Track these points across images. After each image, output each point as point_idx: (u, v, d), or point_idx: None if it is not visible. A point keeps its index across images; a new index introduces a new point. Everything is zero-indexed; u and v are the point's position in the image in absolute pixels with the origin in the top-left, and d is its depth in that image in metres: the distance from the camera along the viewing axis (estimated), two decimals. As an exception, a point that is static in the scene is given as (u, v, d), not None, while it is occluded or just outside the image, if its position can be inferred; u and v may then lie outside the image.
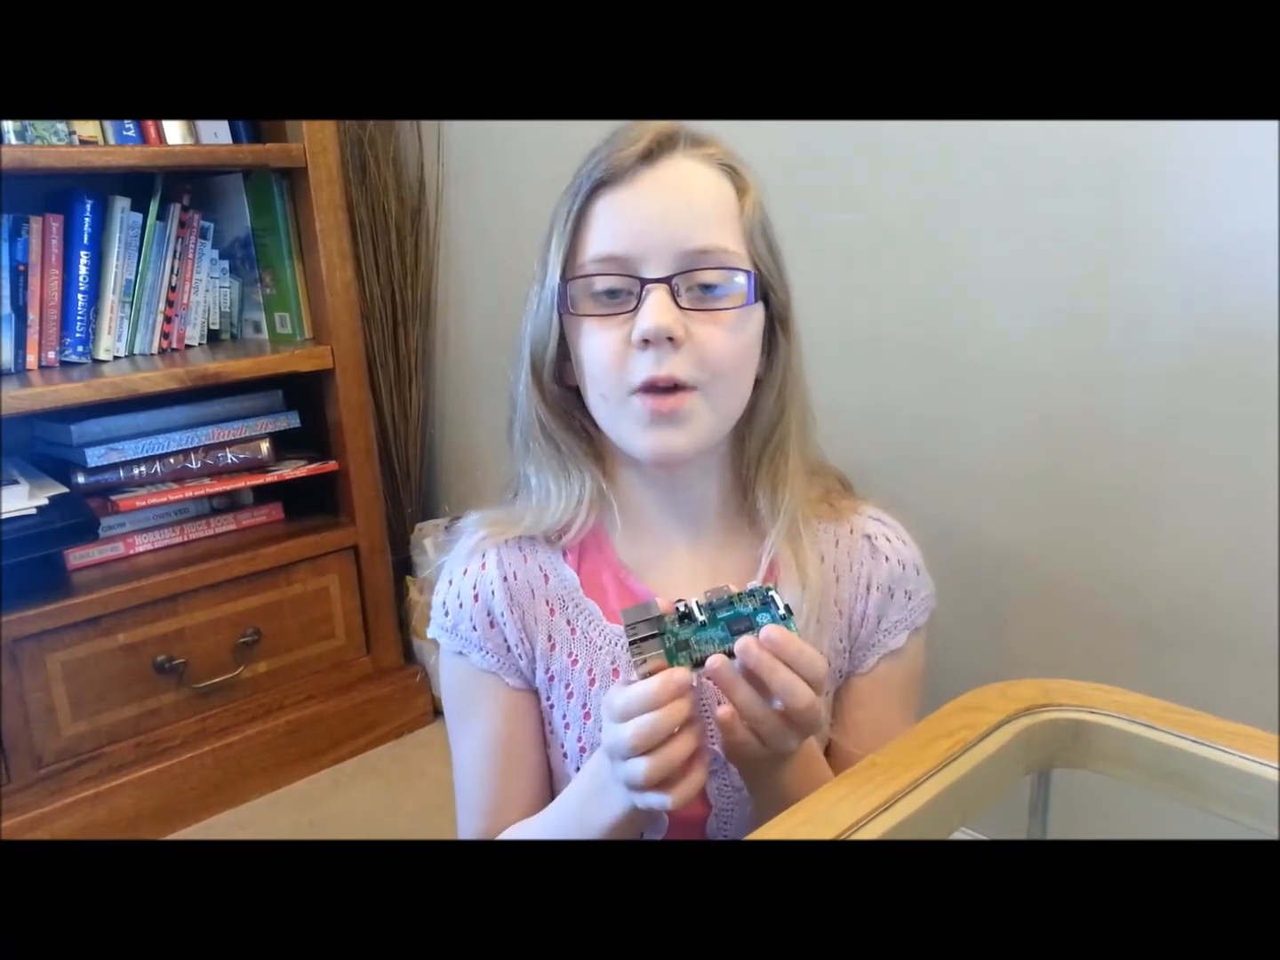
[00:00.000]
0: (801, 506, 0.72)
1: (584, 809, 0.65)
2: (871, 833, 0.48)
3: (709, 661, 0.56)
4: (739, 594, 0.58)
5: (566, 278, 0.67)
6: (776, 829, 0.49)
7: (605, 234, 0.66)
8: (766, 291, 0.69)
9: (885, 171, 1.14)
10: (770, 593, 0.58)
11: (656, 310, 0.64)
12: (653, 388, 0.65)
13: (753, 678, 0.56)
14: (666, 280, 0.64)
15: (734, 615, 0.57)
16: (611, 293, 0.66)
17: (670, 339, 0.64)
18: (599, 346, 0.67)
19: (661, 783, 0.56)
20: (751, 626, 0.57)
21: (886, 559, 0.74)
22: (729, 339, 0.66)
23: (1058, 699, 0.58)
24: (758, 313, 0.69)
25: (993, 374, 1.10)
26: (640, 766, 0.56)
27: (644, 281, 0.65)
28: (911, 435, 1.18)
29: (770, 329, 0.71)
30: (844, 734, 0.74)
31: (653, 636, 0.57)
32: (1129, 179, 0.96)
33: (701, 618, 0.57)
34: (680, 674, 0.56)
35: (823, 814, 0.50)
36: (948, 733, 0.55)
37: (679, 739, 0.56)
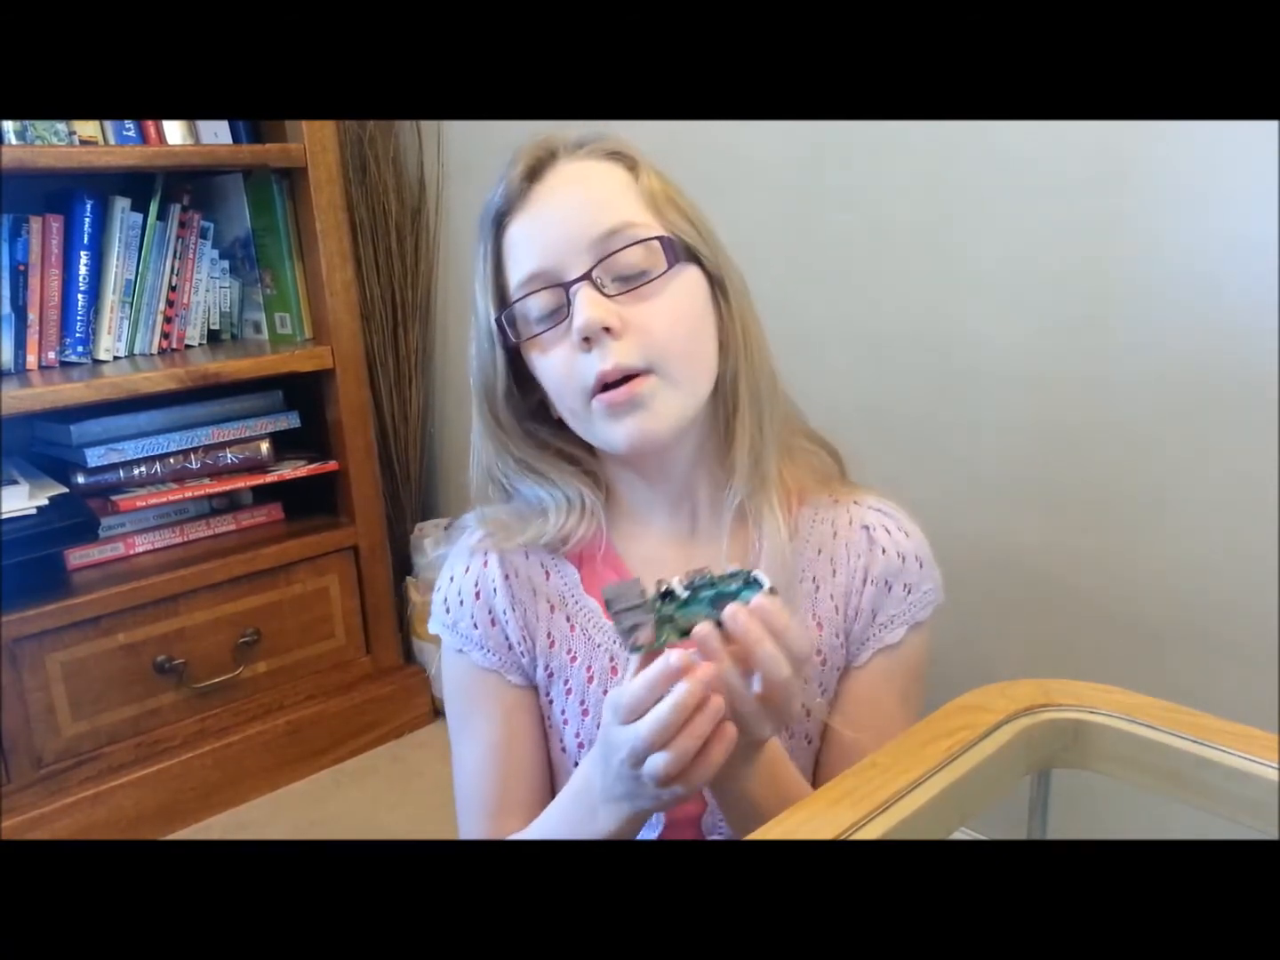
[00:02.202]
0: (769, 463, 0.71)
1: (575, 826, 0.64)
2: (871, 833, 0.48)
3: (696, 630, 0.55)
4: (720, 575, 0.57)
5: (498, 314, 0.68)
6: (776, 829, 0.49)
7: (520, 256, 0.68)
8: (696, 255, 0.69)
9: (885, 171, 1.14)
10: (754, 574, 0.57)
11: (585, 306, 0.64)
12: (606, 384, 0.65)
13: (735, 655, 0.55)
14: (585, 276, 0.65)
15: (717, 594, 0.56)
16: (546, 308, 0.67)
17: (607, 330, 0.64)
18: (551, 363, 0.67)
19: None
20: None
21: (884, 551, 0.73)
22: (668, 310, 0.66)
23: (1058, 699, 0.58)
24: (693, 278, 0.68)
25: (992, 374, 1.10)
26: (659, 762, 0.55)
27: (567, 286, 0.65)
28: (911, 435, 1.18)
29: (713, 295, 0.70)
30: (844, 723, 0.73)
31: (636, 609, 0.56)
32: (1129, 179, 0.96)
33: (683, 595, 0.56)
34: (674, 657, 0.55)
35: (823, 814, 0.50)
36: (948, 733, 0.55)
37: (691, 727, 0.55)
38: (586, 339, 0.64)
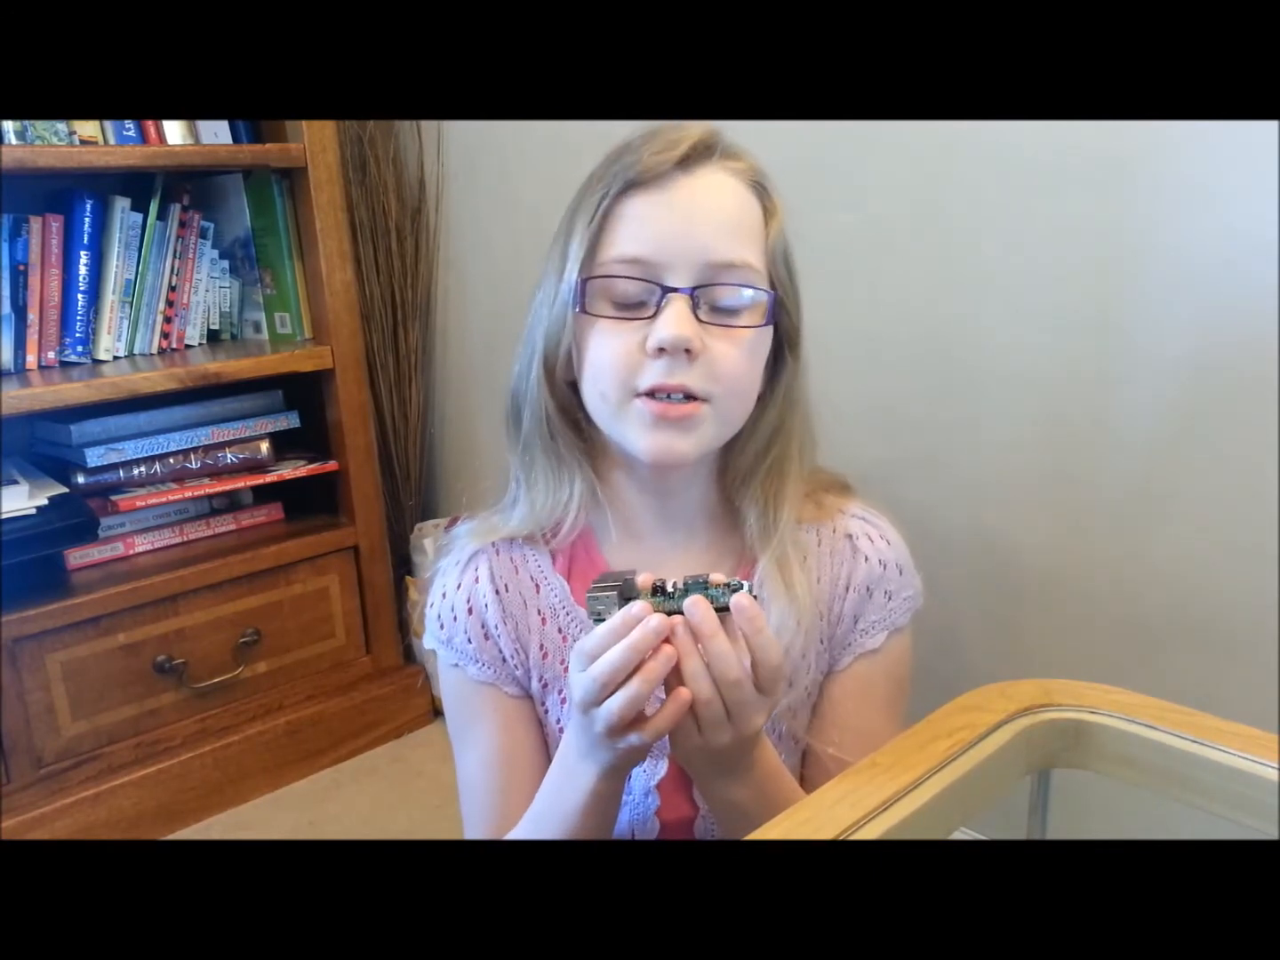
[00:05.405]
0: (791, 522, 0.72)
1: (558, 793, 0.65)
2: (871, 832, 0.48)
3: (656, 620, 0.55)
4: (717, 583, 0.57)
5: (586, 276, 0.66)
6: (776, 829, 0.49)
7: (631, 235, 0.65)
8: (781, 315, 0.69)
9: (885, 172, 1.13)
10: (743, 583, 0.57)
11: (677, 321, 0.63)
12: (658, 394, 0.64)
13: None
14: (689, 291, 0.64)
15: (705, 596, 0.56)
16: (631, 297, 0.65)
17: (687, 350, 0.63)
18: (608, 348, 0.66)
19: (637, 721, 0.56)
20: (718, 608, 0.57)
21: (866, 559, 0.74)
22: (742, 356, 0.66)
23: (1058, 699, 0.58)
24: (769, 332, 0.69)
25: (993, 374, 1.10)
26: (611, 705, 0.55)
27: (665, 289, 0.64)
28: (911, 436, 1.18)
29: (777, 349, 0.71)
30: (823, 735, 0.74)
31: (612, 588, 0.57)
32: (1130, 179, 0.96)
33: (672, 591, 0.57)
34: (638, 608, 0.55)
35: (823, 814, 0.50)
36: (948, 733, 0.55)
37: (643, 671, 0.55)
38: (662, 349, 0.63)
